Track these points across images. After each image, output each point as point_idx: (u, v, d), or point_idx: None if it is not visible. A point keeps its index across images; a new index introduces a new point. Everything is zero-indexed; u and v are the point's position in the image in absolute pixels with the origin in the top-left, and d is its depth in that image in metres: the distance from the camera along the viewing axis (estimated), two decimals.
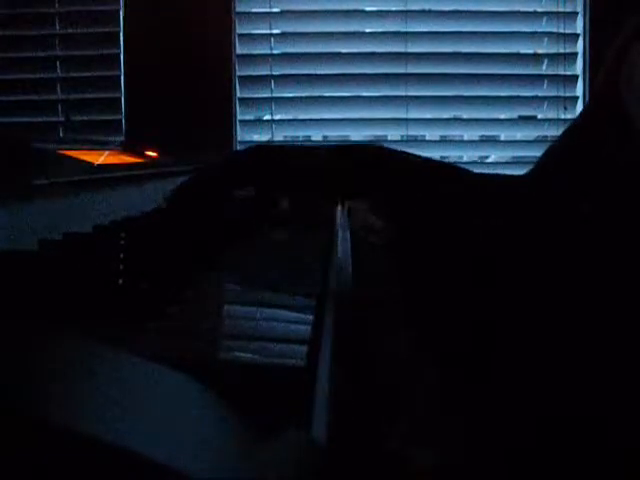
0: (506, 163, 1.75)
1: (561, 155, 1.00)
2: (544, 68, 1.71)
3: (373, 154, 0.77)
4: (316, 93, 1.72)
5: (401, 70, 1.70)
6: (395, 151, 0.79)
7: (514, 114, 1.75)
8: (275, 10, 1.72)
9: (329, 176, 0.74)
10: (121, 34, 1.68)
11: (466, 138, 1.78)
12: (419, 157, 0.79)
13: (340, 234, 0.76)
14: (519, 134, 1.76)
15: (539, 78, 1.71)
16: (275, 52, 1.72)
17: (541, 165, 1.02)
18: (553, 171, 0.99)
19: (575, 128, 1.01)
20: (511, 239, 0.67)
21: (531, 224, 0.69)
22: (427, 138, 1.76)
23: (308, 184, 0.75)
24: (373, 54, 1.71)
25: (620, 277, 0.61)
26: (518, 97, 1.71)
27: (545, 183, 0.98)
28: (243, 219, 0.75)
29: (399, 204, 0.75)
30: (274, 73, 1.71)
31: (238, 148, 1.70)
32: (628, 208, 0.76)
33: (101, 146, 0.94)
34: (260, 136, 1.74)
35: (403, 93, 1.71)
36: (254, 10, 1.72)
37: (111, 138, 1.64)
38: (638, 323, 0.59)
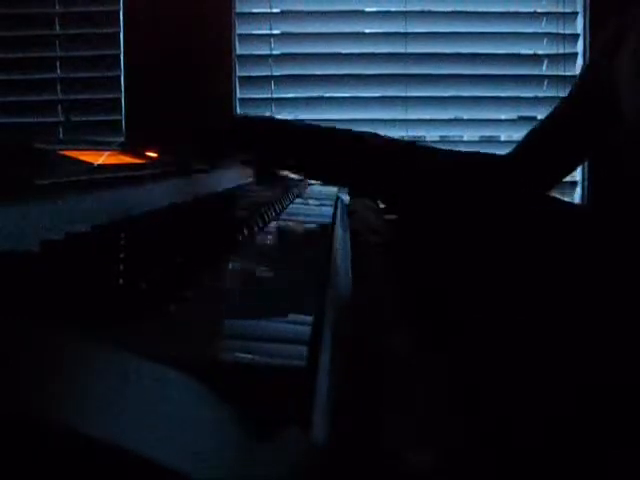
0: None
1: (543, 137, 1.02)
2: (544, 68, 1.71)
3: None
4: (316, 93, 1.72)
5: (401, 70, 1.70)
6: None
7: (514, 114, 1.75)
8: (275, 10, 1.72)
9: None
10: (121, 34, 1.68)
11: (466, 138, 1.79)
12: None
13: (340, 234, 0.76)
14: (519, 134, 1.75)
15: (539, 78, 1.71)
16: (275, 52, 1.72)
17: (522, 146, 1.03)
18: (534, 152, 1.00)
19: (558, 112, 1.02)
20: (503, 234, 0.67)
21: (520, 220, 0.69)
22: (427, 138, 1.76)
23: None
24: (373, 54, 1.71)
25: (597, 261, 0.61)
26: (518, 97, 1.71)
27: (526, 164, 0.98)
28: (243, 220, 0.75)
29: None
30: (274, 74, 1.71)
31: None
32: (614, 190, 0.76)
33: (101, 146, 0.94)
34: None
35: (403, 93, 1.71)
36: (254, 10, 1.72)
37: (111, 138, 1.64)
38: (624, 311, 0.59)
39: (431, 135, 1.76)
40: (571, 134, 0.99)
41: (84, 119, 1.69)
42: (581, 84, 1.02)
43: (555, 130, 1.01)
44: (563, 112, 1.02)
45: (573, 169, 1.09)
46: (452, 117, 1.75)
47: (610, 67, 0.90)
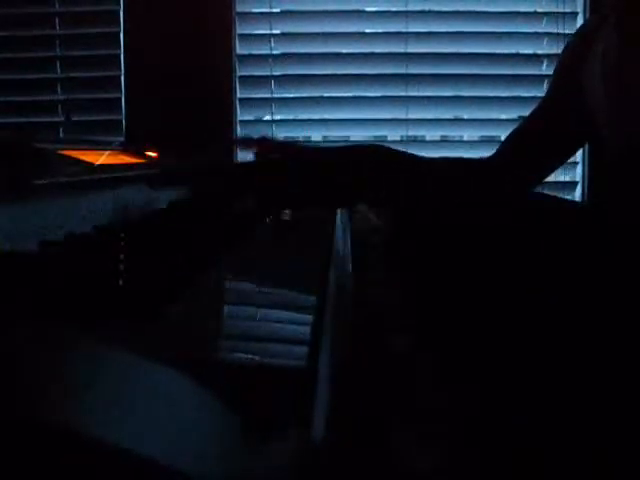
0: None
1: (522, 139, 1.03)
2: (544, 68, 1.71)
3: (370, 158, 0.77)
4: (316, 93, 1.72)
5: (401, 70, 1.70)
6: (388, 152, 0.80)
7: (514, 114, 1.75)
8: (275, 10, 1.72)
9: (329, 185, 0.74)
10: (121, 34, 1.68)
11: (466, 138, 1.78)
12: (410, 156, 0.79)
13: (340, 234, 0.76)
14: None
15: (539, 78, 1.71)
16: (275, 52, 1.72)
17: (503, 149, 1.04)
18: (514, 155, 1.01)
19: (536, 114, 1.03)
20: (506, 238, 0.67)
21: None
22: (427, 138, 1.76)
23: (310, 196, 0.75)
24: (373, 54, 1.71)
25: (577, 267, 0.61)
26: (518, 97, 1.71)
27: (505, 167, 0.99)
28: (243, 219, 0.75)
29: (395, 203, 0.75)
30: (274, 73, 1.71)
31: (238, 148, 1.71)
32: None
33: (101, 146, 0.94)
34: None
35: (403, 93, 1.71)
36: (254, 10, 1.72)
37: (111, 138, 1.64)
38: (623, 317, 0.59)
39: (431, 135, 1.76)
40: (548, 136, 0.99)
41: (84, 119, 1.69)
42: (554, 86, 1.02)
43: (534, 132, 1.02)
44: (540, 114, 1.02)
45: (552, 170, 1.10)
46: (452, 117, 1.75)
47: (579, 70, 0.90)
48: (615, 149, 0.80)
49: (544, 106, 1.03)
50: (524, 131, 1.04)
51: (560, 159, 1.08)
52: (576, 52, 0.93)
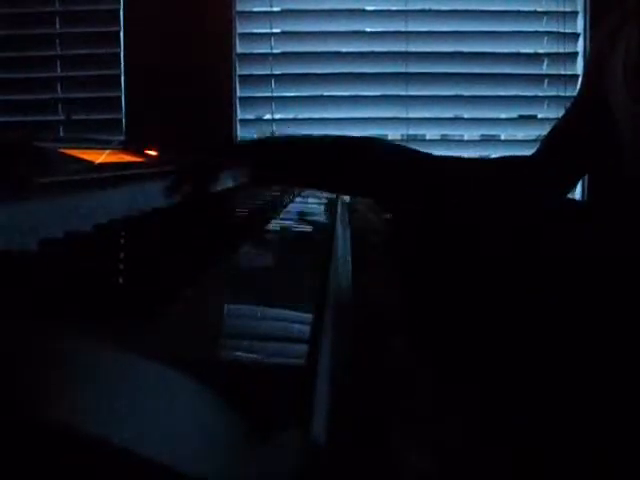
0: None
1: (559, 137, 1.02)
2: (544, 68, 1.71)
3: (365, 149, 0.77)
4: (316, 92, 1.72)
5: (401, 69, 1.70)
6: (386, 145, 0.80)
7: (514, 114, 1.75)
8: (275, 9, 1.72)
9: (325, 173, 0.75)
10: (121, 33, 1.68)
11: (466, 138, 1.79)
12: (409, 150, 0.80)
13: (340, 233, 0.76)
14: (519, 134, 1.76)
15: (539, 78, 1.71)
16: (275, 51, 1.72)
17: (543, 145, 1.03)
18: (552, 152, 1.00)
19: (569, 112, 1.02)
20: (511, 239, 0.67)
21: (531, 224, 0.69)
22: (427, 137, 1.76)
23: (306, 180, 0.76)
24: (373, 53, 1.71)
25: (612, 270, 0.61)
26: (518, 97, 1.71)
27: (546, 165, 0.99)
28: (243, 219, 0.75)
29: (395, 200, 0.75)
30: (274, 72, 1.71)
31: None
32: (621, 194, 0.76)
33: (101, 145, 0.94)
34: (260, 135, 1.74)
35: (403, 92, 1.71)
36: (254, 9, 1.72)
37: (111, 137, 1.64)
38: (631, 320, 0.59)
39: (432, 134, 1.76)
40: (580, 136, 0.98)
41: (84, 117, 1.69)
42: (581, 88, 1.02)
43: (567, 131, 1.01)
44: (572, 114, 1.02)
45: (587, 170, 1.09)
46: (453, 116, 1.75)
47: (601, 74, 0.90)
48: (635, 151, 0.79)
49: (574, 103, 1.02)
50: (558, 128, 1.03)
51: (589, 157, 1.04)
52: (603, 49, 0.92)
